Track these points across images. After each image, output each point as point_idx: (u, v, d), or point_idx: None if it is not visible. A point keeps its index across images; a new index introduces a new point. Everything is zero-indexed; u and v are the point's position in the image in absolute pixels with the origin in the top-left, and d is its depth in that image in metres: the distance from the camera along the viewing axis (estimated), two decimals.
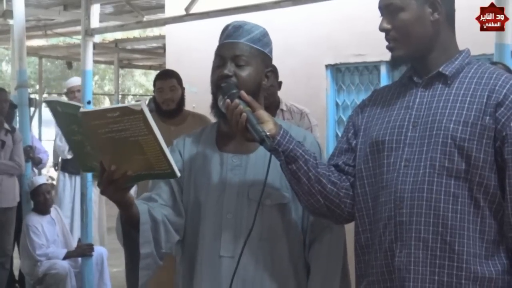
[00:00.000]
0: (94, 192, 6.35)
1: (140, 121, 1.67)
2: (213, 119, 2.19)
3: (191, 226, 2.09)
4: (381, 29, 1.91)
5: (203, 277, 2.04)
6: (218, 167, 2.07)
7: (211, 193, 2.06)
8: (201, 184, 2.08)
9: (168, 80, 4.40)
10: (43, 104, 12.52)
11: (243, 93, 1.92)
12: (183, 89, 4.47)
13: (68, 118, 1.80)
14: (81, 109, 1.72)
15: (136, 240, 1.94)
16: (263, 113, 1.90)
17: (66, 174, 6.59)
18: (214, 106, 2.05)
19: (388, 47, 1.92)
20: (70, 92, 6.51)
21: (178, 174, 1.77)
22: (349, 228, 2.08)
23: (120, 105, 1.71)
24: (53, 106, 1.82)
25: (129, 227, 1.95)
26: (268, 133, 1.85)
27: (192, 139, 2.16)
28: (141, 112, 1.66)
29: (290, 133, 1.93)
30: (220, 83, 2.01)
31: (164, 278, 3.87)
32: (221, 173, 2.06)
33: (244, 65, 2.02)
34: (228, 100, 1.90)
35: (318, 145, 2.14)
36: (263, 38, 2.08)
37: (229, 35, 2.06)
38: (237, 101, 1.89)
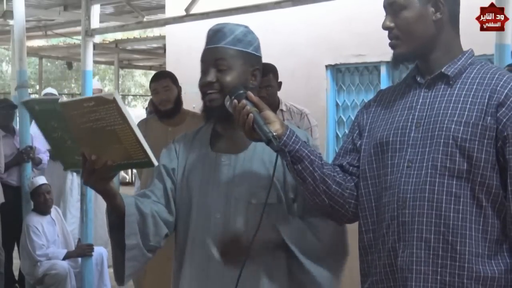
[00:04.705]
0: None
1: (114, 110, 1.71)
2: None
3: (183, 224, 2.11)
4: (384, 27, 1.92)
5: (191, 274, 2.06)
6: (208, 167, 2.09)
7: (201, 192, 2.07)
8: (192, 183, 2.10)
9: (161, 80, 4.39)
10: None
11: (250, 93, 1.93)
12: (179, 88, 4.45)
13: (46, 115, 1.83)
14: (60, 100, 1.76)
15: (123, 232, 1.97)
16: (269, 114, 1.91)
17: (74, 174, 6.56)
18: (204, 109, 2.08)
19: (390, 45, 1.94)
20: None
21: (156, 163, 1.81)
22: (352, 228, 2.08)
23: (94, 95, 1.75)
24: (30, 106, 1.85)
25: (116, 219, 1.98)
26: (274, 134, 1.86)
27: (188, 138, 2.19)
28: (114, 101, 1.70)
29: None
30: (204, 90, 2.04)
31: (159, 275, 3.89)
32: (211, 172, 2.08)
33: (226, 69, 2.02)
34: (235, 101, 1.91)
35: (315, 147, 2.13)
36: (245, 38, 2.06)
37: (209, 40, 2.07)
38: (244, 101, 1.90)
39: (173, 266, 2.18)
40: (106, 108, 1.71)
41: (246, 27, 2.11)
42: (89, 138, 1.79)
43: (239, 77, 2.03)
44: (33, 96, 14.32)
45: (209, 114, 2.07)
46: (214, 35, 2.06)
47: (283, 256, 2.03)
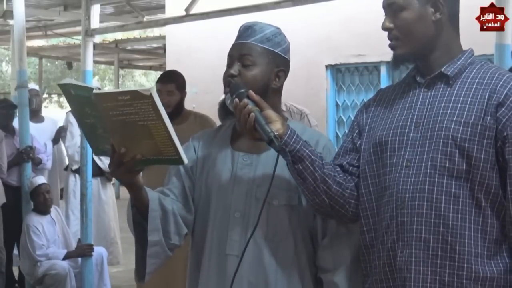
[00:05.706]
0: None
1: (149, 105, 1.71)
2: (216, 118, 2.20)
3: (201, 222, 2.10)
4: (384, 28, 1.92)
5: (209, 274, 2.05)
6: (229, 166, 2.08)
7: (220, 191, 2.06)
8: (212, 182, 2.09)
9: (167, 84, 4.39)
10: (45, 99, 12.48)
11: (251, 92, 1.92)
12: (184, 93, 4.44)
13: (81, 100, 1.84)
14: (94, 91, 1.76)
15: (145, 228, 1.96)
16: (271, 113, 1.91)
17: (77, 175, 6.55)
18: (224, 106, 2.06)
19: (390, 46, 1.94)
20: None
21: (186, 161, 1.81)
22: None
23: (131, 88, 1.75)
24: (66, 89, 1.85)
25: (138, 214, 1.97)
26: (276, 133, 1.86)
27: (208, 136, 2.18)
28: (150, 97, 1.70)
29: (302, 136, 1.93)
30: (227, 83, 2.03)
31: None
32: (231, 171, 2.07)
33: (250, 65, 2.03)
34: (236, 100, 1.91)
35: (331, 148, 2.11)
36: (274, 38, 2.08)
37: (239, 35, 2.09)
38: (245, 100, 1.90)
39: (189, 265, 2.17)
40: (141, 103, 1.71)
41: (277, 28, 2.11)
42: (120, 130, 1.79)
43: (262, 75, 2.03)
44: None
45: (228, 111, 2.04)
46: (245, 31, 2.07)
47: (291, 251, 2.03)
